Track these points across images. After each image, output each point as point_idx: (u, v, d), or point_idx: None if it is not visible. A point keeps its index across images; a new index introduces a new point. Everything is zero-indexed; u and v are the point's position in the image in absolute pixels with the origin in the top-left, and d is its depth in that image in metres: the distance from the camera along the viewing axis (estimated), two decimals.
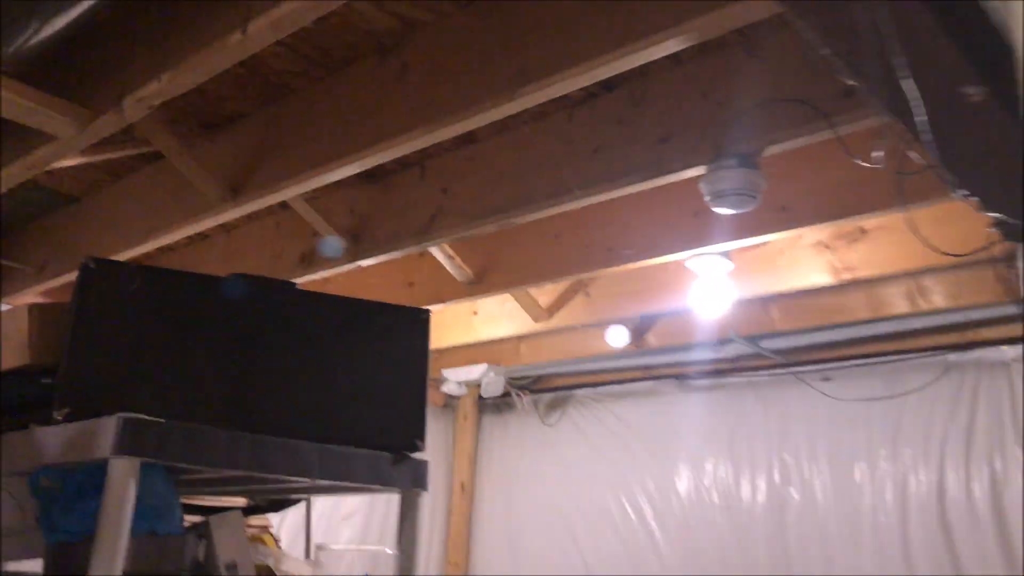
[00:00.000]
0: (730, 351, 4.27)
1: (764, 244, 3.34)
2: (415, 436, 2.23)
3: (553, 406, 5.45)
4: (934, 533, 3.81)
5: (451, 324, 4.43)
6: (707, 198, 2.33)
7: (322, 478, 2.02)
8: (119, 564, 1.64)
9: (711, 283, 3.29)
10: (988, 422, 3.81)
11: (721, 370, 4.71)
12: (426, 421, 2.27)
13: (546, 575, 5.02)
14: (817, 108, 2.12)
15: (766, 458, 4.43)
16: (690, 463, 4.69)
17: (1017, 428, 3.71)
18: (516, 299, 3.99)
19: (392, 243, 3.11)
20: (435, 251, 3.48)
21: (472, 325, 4.39)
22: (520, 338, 4.70)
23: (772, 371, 4.54)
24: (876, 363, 4.23)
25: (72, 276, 1.96)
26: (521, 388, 5.34)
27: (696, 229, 2.98)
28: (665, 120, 2.42)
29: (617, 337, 4.12)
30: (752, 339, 4.11)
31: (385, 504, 5.04)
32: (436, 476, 5.48)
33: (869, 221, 3.16)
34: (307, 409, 2.10)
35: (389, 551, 2.17)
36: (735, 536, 4.42)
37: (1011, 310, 3.45)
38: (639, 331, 4.35)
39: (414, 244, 3.06)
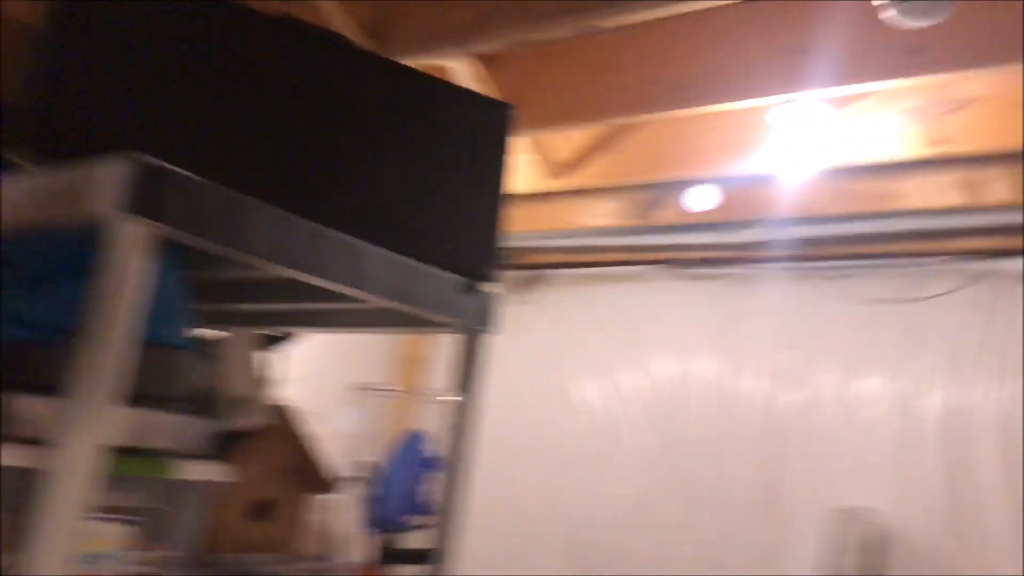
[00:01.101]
0: (752, 235, 3.87)
1: (852, 104, 2.91)
2: (488, 262, 1.73)
3: (530, 284, 4.99)
4: (934, 447, 3.59)
5: None
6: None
7: (385, 296, 1.50)
8: (117, 376, 1.08)
9: (795, 141, 2.84)
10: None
11: (724, 259, 4.34)
12: (501, 249, 1.78)
13: (512, 465, 4.65)
14: None
15: (759, 355, 4.12)
16: (680, 354, 4.35)
17: None
18: (535, 149, 3.46)
19: (426, 45, 2.52)
20: (457, 69, 2.90)
21: None
22: (522, 199, 4.16)
23: (783, 266, 4.20)
24: (893, 265, 3.94)
25: None
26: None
27: (791, 69, 2.51)
28: None
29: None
30: (784, 223, 3.71)
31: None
32: (376, 349, 5.00)
33: (971, 89, 2.76)
34: (365, 202, 1.57)
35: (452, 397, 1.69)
36: (722, 433, 4.13)
37: None
38: (652, 201, 3.90)
39: (455, 47, 2.48)
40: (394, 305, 1.55)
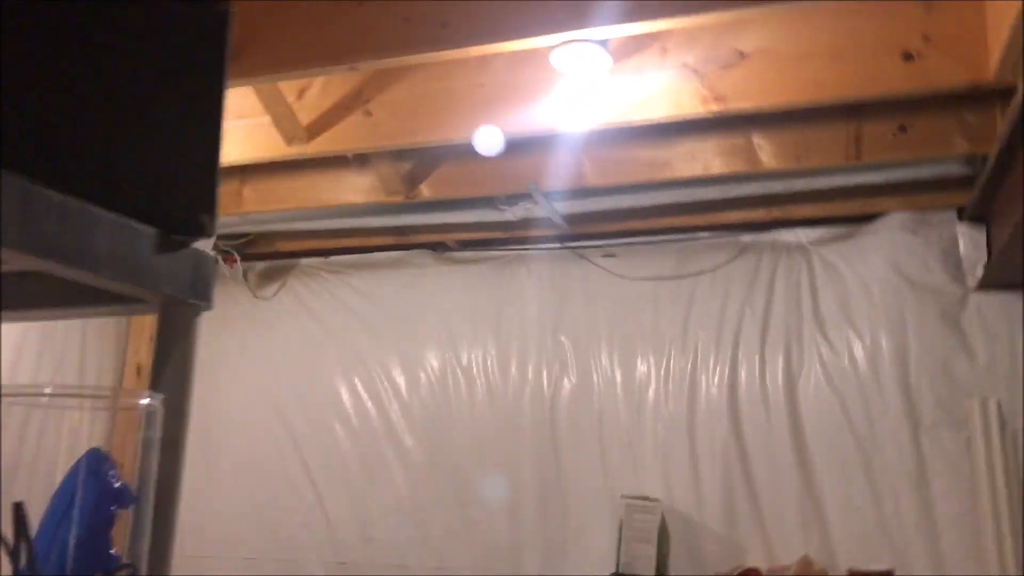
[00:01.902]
0: (518, 212, 3.55)
1: (630, 59, 2.62)
2: (201, 209, 1.21)
3: (269, 276, 4.36)
4: (724, 426, 3.46)
5: None
6: None
7: (33, 253, 0.94)
8: None
9: (577, 88, 2.50)
10: (784, 309, 3.52)
11: (488, 240, 4.00)
12: (219, 190, 1.26)
13: (253, 487, 4.01)
14: None
15: (538, 341, 3.82)
16: (445, 345, 3.94)
17: (816, 315, 3.45)
18: (267, 108, 2.88)
19: None
20: None
21: None
22: (244, 170, 3.55)
23: (550, 246, 3.93)
24: (666, 240, 3.79)
25: None
26: (232, 250, 4.18)
27: (572, 4, 2.16)
28: None
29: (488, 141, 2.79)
30: (551, 196, 3.42)
31: None
32: (102, 357, 4.19)
33: (750, 41, 2.58)
34: (24, 120, 0.99)
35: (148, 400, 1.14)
36: (496, 428, 3.78)
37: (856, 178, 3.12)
38: (413, 177, 3.46)
39: None
40: (48, 267, 0.98)
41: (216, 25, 1.28)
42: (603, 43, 2.31)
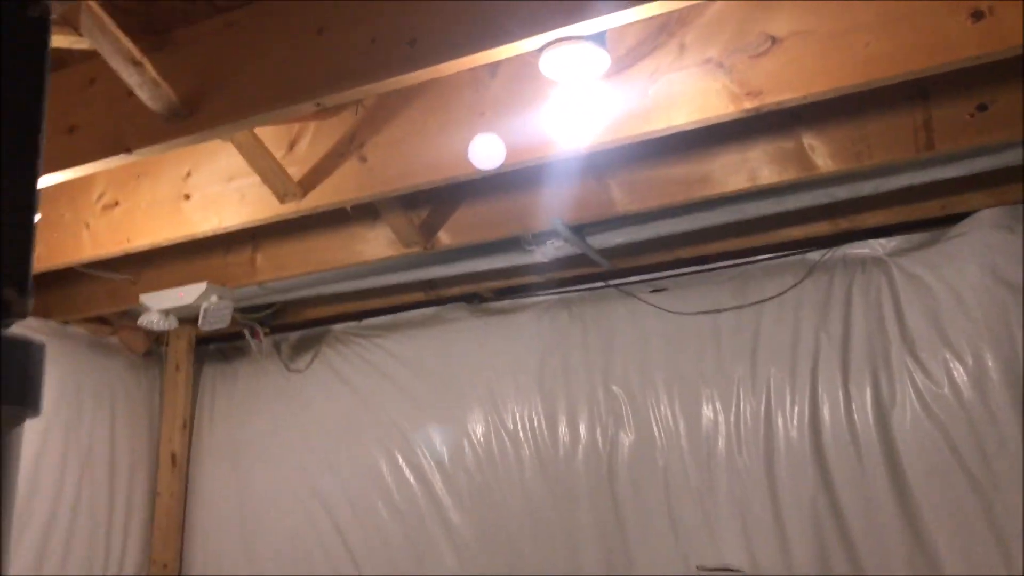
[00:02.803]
0: (549, 252, 3.19)
1: (636, 61, 2.26)
2: (13, 278, 0.89)
3: (302, 347, 4.09)
4: (809, 475, 2.98)
5: (147, 214, 2.95)
6: None
7: None
8: None
9: (575, 100, 2.15)
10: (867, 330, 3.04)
11: (524, 286, 3.65)
12: (32, 250, 0.94)
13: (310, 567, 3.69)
14: None
15: (588, 393, 3.42)
16: (488, 406, 3.57)
17: (904, 336, 2.96)
18: (252, 164, 2.62)
19: None
20: (116, 62, 2.05)
21: (181, 217, 2.92)
22: (255, 236, 3.32)
23: (592, 285, 3.55)
24: (721, 267, 3.37)
25: None
26: (257, 323, 3.93)
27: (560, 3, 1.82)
28: None
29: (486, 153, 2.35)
30: (582, 231, 3.05)
31: None
32: (136, 444, 3.97)
33: (781, 24, 2.19)
34: None
35: None
36: (551, 496, 3.37)
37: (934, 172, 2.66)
38: (428, 224, 3.14)
39: None
40: None
41: (31, 35, 0.98)
42: (601, 42, 1.95)
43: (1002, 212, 2.85)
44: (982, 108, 2.43)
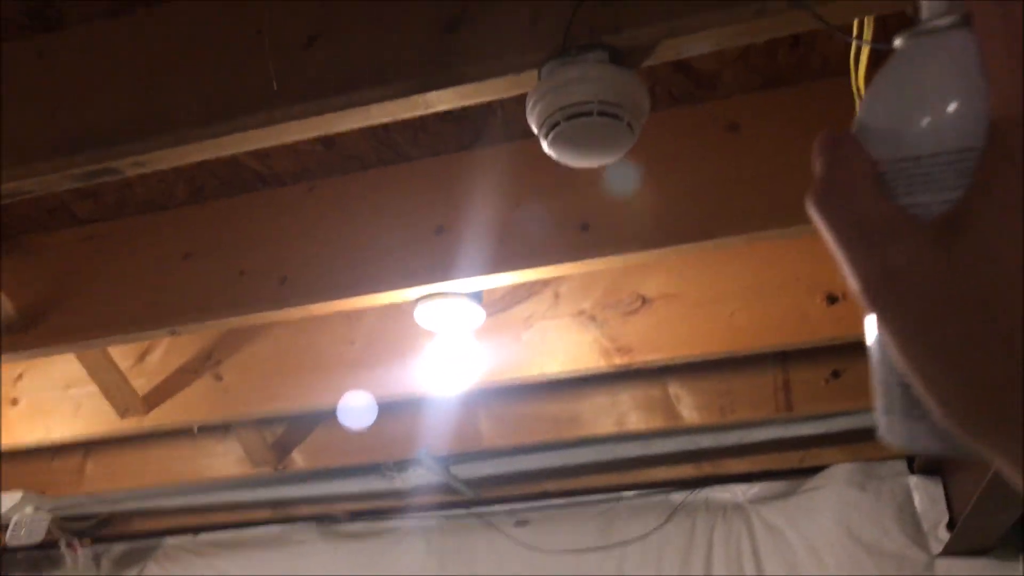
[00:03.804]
0: (411, 480, 3.04)
1: (514, 308, 2.27)
2: None
3: (127, 561, 3.68)
4: None
5: None
6: (538, 126, 1.18)
7: None
8: None
9: (448, 348, 2.10)
10: None
11: (382, 509, 3.44)
12: None
13: None
14: None
15: None
16: None
17: None
18: (93, 376, 2.41)
19: None
20: None
21: (4, 423, 2.63)
22: (89, 447, 3.02)
23: (451, 511, 3.39)
24: (587, 502, 3.30)
25: None
26: (78, 534, 3.52)
27: (440, 253, 1.81)
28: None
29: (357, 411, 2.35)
30: (447, 461, 2.94)
31: None
32: None
33: (653, 286, 2.25)
34: None
35: None
36: None
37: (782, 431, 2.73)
38: (283, 444, 2.95)
39: None
40: None
41: None
42: (477, 298, 1.94)
43: (855, 469, 2.94)
44: (836, 375, 2.54)
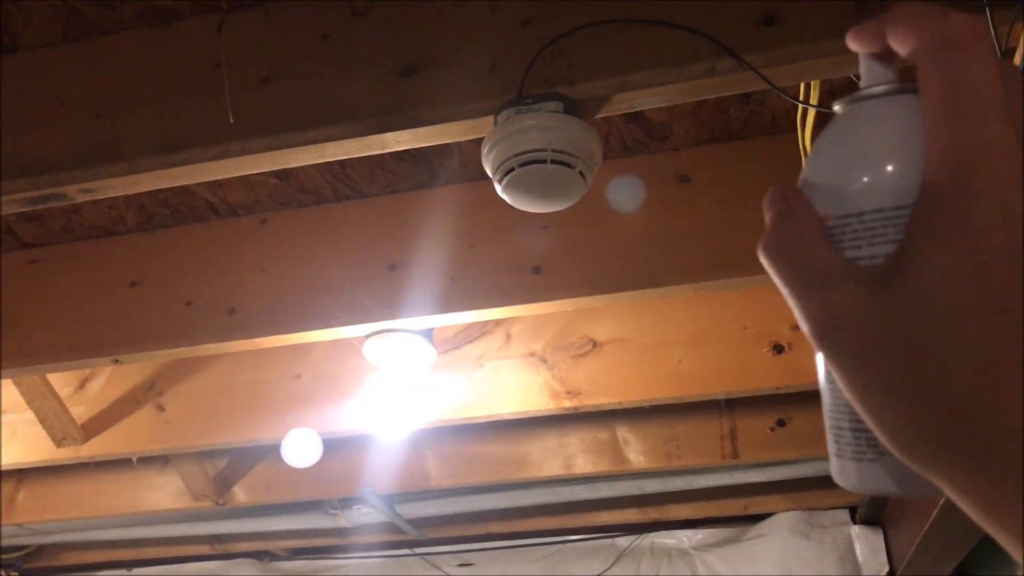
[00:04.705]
0: (354, 518, 3.00)
1: (464, 343, 2.26)
2: None
3: None
4: None
5: None
6: (493, 170, 1.20)
7: None
8: None
9: (397, 386, 2.08)
10: None
11: (324, 547, 3.38)
12: None
13: None
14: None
15: None
16: None
17: None
18: (30, 403, 2.34)
19: None
20: None
21: None
22: (22, 475, 2.93)
23: (395, 552, 3.35)
24: (532, 544, 3.28)
25: None
26: (4, 566, 3.40)
27: (392, 290, 1.81)
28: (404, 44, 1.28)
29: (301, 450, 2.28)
30: (391, 500, 2.91)
31: None
32: None
33: (603, 330, 2.27)
34: None
35: None
36: None
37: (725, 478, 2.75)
38: (224, 478, 2.89)
39: None
40: None
41: None
42: (428, 336, 1.93)
43: (798, 517, 2.97)
44: (781, 423, 2.58)
